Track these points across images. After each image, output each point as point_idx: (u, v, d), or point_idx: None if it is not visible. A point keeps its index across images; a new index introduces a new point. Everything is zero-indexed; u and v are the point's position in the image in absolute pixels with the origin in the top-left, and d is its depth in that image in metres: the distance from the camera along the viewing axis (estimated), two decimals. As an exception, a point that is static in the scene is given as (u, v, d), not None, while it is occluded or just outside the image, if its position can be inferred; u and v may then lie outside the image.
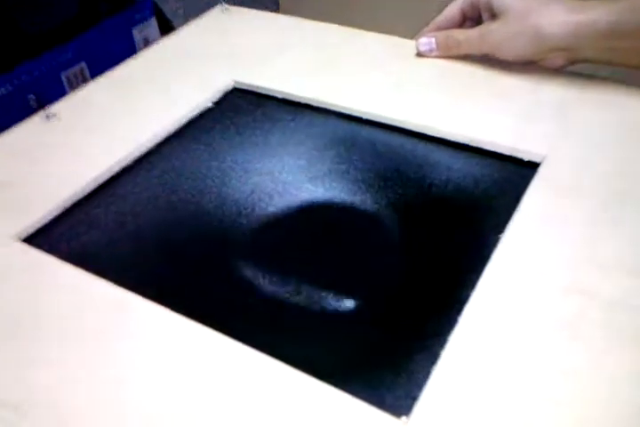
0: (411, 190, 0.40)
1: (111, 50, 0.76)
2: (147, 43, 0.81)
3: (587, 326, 0.31)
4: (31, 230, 0.38)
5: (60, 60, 0.71)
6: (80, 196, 0.40)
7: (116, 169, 0.42)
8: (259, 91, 0.49)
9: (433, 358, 0.29)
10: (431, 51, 0.50)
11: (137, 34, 0.80)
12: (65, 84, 0.74)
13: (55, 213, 0.39)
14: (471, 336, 0.30)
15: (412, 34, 0.55)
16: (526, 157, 0.41)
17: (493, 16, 0.47)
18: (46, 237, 0.38)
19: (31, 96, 0.68)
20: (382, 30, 0.55)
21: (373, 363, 0.31)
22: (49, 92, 0.71)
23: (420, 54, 0.51)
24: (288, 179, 0.42)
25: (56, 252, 0.36)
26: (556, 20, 0.43)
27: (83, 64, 0.75)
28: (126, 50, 0.80)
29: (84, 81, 0.75)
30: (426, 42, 0.50)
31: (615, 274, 0.33)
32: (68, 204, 0.40)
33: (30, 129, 0.46)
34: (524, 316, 0.31)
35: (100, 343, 0.31)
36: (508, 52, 0.46)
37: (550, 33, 0.43)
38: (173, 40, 0.56)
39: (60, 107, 0.48)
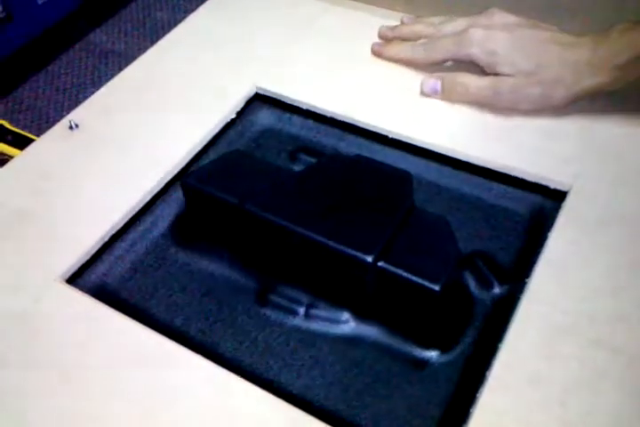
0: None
1: None
2: None
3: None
4: (73, 270, 0.39)
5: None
6: (117, 228, 0.41)
7: (148, 198, 0.43)
8: (281, 99, 0.49)
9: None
10: (435, 93, 0.48)
11: None
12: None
13: (94, 249, 0.40)
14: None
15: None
16: (552, 186, 0.42)
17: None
18: (88, 278, 0.39)
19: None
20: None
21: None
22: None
23: (422, 93, 0.49)
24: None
25: (100, 295, 0.38)
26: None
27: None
28: None
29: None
30: (432, 85, 0.48)
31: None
32: (106, 238, 0.40)
33: (53, 144, 0.46)
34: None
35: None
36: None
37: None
38: (181, 33, 0.55)
39: (80, 115, 0.47)
